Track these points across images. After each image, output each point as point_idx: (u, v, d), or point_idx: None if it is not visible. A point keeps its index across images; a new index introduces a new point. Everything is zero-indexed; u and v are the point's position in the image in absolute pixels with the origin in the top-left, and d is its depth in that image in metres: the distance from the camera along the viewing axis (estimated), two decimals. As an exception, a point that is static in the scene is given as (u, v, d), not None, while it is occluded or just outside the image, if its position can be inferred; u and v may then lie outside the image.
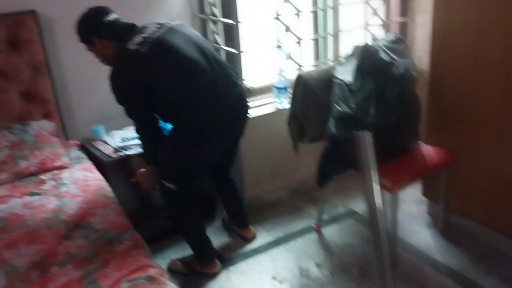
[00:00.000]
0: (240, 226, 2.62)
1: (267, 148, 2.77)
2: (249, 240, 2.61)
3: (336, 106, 2.21)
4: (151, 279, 1.50)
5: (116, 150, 2.44)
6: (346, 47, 2.90)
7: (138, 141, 2.25)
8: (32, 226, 1.86)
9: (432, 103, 2.47)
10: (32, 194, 2.10)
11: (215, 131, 2.10)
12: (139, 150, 2.37)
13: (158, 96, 2.00)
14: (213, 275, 2.34)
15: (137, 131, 2.12)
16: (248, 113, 2.27)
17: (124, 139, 2.51)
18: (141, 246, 1.71)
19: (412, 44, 3.14)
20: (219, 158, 2.28)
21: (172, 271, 2.37)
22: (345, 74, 2.29)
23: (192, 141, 2.06)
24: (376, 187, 0.80)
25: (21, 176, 2.23)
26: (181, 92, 2.00)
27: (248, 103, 2.25)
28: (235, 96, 2.13)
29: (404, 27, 3.15)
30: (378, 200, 0.79)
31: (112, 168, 2.39)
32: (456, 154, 2.34)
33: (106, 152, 2.44)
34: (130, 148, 2.44)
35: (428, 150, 2.38)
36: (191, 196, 2.27)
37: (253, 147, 2.71)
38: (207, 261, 2.36)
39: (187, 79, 1.99)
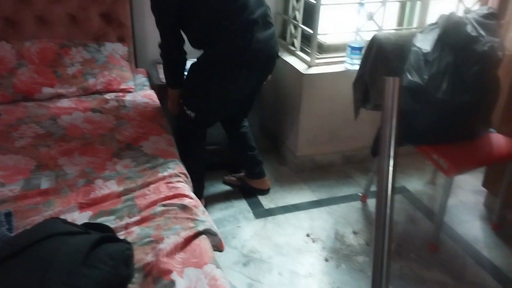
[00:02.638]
0: (255, 177, 2.59)
1: (328, 109, 2.70)
2: (265, 191, 2.61)
3: (408, 74, 2.08)
4: (185, 208, 1.54)
5: None
6: (435, 16, 2.70)
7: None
8: (88, 140, 1.97)
9: (514, 90, 2.26)
10: (94, 110, 2.21)
11: (245, 66, 2.05)
12: None
13: (192, 19, 1.97)
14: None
15: (161, 46, 2.08)
16: (278, 55, 2.21)
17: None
18: (183, 176, 1.75)
19: (509, 24, 2.86)
20: (240, 100, 2.26)
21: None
22: (425, 42, 2.14)
23: (220, 73, 2.04)
24: (393, 149, 0.74)
25: (88, 92, 2.35)
26: (217, 21, 1.96)
27: (278, 45, 2.19)
28: (269, 35, 2.08)
29: (504, 3, 2.86)
30: (391, 165, 0.73)
31: (160, 92, 2.44)
32: (529, 149, 2.16)
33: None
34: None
35: (498, 139, 2.21)
36: (205, 134, 2.29)
37: (313, 105, 2.65)
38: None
39: (224, 10, 1.95)
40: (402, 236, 2.31)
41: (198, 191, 2.32)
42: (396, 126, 0.72)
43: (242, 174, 2.66)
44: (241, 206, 2.55)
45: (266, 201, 2.56)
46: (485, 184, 2.50)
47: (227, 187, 2.67)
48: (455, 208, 2.52)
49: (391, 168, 0.68)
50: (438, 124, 2.06)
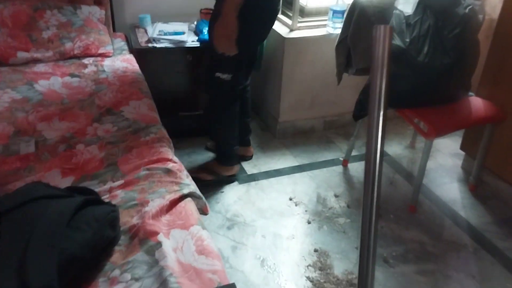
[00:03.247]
0: (242, 144, 2.57)
1: (309, 74, 2.69)
2: (248, 158, 2.62)
3: (389, 38, 2.08)
4: (168, 171, 1.54)
5: (149, 40, 2.46)
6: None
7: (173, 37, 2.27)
8: (67, 105, 1.93)
9: (492, 54, 2.28)
10: (72, 75, 2.16)
11: (275, 15, 2.14)
12: (168, 45, 2.44)
13: None
14: (232, 177, 2.44)
15: None
16: None
17: (162, 32, 2.51)
18: (165, 141, 1.74)
19: (489, -12, 2.87)
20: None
21: (199, 180, 2.41)
22: (406, 5, 2.13)
23: (261, 18, 2.06)
24: (384, 101, 0.74)
25: (65, 57, 2.28)
26: None
27: None
28: None
29: (484, -33, 2.86)
30: (382, 116, 0.72)
31: (140, 56, 2.41)
32: (506, 112, 2.20)
33: (140, 40, 2.48)
34: (160, 42, 2.46)
35: (477, 103, 2.24)
36: (238, 90, 2.28)
37: (295, 70, 2.64)
38: (231, 162, 2.40)
39: None
40: (382, 198, 2.36)
41: (234, 156, 2.40)
42: (387, 76, 0.72)
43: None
44: (224, 171, 2.55)
45: (249, 167, 2.57)
46: (463, 147, 2.56)
47: (210, 154, 2.66)
48: (434, 171, 2.58)
49: (381, 120, 0.67)
50: (419, 87, 2.08)
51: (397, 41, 2.06)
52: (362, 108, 2.26)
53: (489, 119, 2.20)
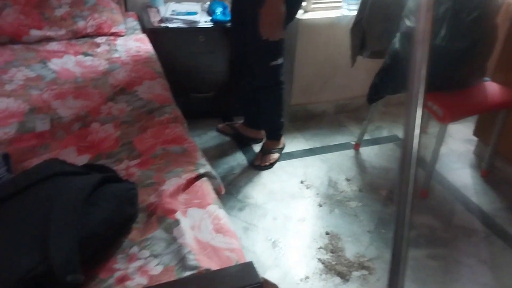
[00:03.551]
0: (254, 127, 2.60)
1: (322, 57, 2.66)
2: (259, 140, 2.61)
3: (406, 20, 2.05)
4: (184, 151, 1.54)
5: (162, 20, 2.44)
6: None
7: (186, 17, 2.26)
8: (81, 83, 1.92)
9: (509, 39, 2.25)
10: (85, 54, 2.15)
11: None
12: (180, 26, 2.42)
13: None
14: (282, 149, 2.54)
15: None
16: None
17: (174, 12, 2.49)
18: (180, 121, 1.74)
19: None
20: None
21: (270, 165, 2.45)
22: (424, -13, 2.10)
23: None
24: (423, 79, 0.72)
25: (78, 35, 2.27)
26: None
27: None
28: None
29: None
30: (420, 100, 0.70)
31: (152, 36, 2.39)
32: (522, 98, 2.18)
33: (153, 20, 2.46)
34: (173, 22, 2.43)
35: (492, 88, 2.22)
36: None
37: (308, 53, 2.61)
38: (280, 135, 2.48)
39: None
40: (394, 182, 2.36)
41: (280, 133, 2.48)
42: (428, 51, 0.70)
43: (237, 123, 2.65)
44: (236, 154, 2.56)
45: (258, 151, 2.57)
46: (476, 133, 2.54)
47: (221, 136, 2.66)
48: (446, 156, 2.57)
49: (420, 97, 0.65)
50: (435, 71, 2.04)
51: (413, 23, 2.03)
52: (377, 92, 2.24)
53: (504, 105, 2.18)
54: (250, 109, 2.56)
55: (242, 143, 2.62)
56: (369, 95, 2.28)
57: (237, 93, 2.59)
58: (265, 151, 2.46)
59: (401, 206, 0.64)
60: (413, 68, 0.70)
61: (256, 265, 1.08)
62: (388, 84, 2.18)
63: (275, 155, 2.46)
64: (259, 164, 2.42)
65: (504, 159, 2.38)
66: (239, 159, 2.51)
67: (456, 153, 2.62)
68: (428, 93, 2.09)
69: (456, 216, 2.17)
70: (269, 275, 1.81)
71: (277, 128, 2.46)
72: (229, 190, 2.26)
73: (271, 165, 2.44)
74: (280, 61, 2.17)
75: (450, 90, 2.10)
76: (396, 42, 2.09)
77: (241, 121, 2.64)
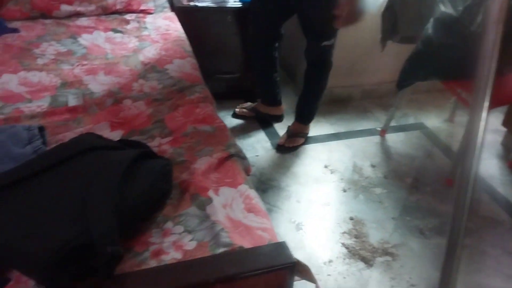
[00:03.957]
0: (273, 104, 2.59)
1: (351, 40, 2.62)
2: (280, 117, 2.63)
3: (441, 5, 2.00)
4: (214, 130, 1.54)
5: None
6: None
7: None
8: (112, 60, 1.93)
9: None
10: (115, 31, 2.15)
11: None
12: (210, 5, 2.42)
13: None
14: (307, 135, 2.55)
15: None
16: None
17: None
18: (210, 101, 1.73)
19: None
20: None
21: (294, 147, 2.46)
22: (461, -29, 2.05)
23: None
24: (494, 63, 0.69)
25: (107, 11, 2.27)
26: None
27: None
28: None
29: None
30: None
31: (181, 14, 2.38)
32: (557, 89, 2.13)
33: None
34: (202, 1, 2.43)
35: (526, 78, 2.17)
36: None
37: (337, 35, 2.57)
38: (310, 121, 2.50)
39: None
40: (419, 170, 2.34)
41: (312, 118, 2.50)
42: (501, 34, 0.68)
43: (253, 104, 2.65)
44: (259, 136, 2.55)
45: (284, 133, 2.56)
46: (504, 123, 2.50)
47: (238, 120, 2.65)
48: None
49: (490, 82, 0.63)
50: (469, 58, 2.00)
51: (449, 9, 1.98)
52: (407, 78, 2.21)
53: (538, 95, 2.13)
54: (267, 86, 2.55)
55: (263, 122, 2.62)
56: (399, 80, 2.25)
57: (254, 72, 2.57)
58: (292, 134, 2.46)
59: (460, 200, 0.62)
60: (485, 49, 0.68)
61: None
62: (418, 70, 2.15)
63: (301, 140, 2.46)
64: (283, 144, 2.42)
65: (533, 151, 2.35)
66: (262, 141, 2.51)
67: (483, 144, 2.58)
68: (460, 80, 2.06)
69: (482, 206, 2.15)
70: (293, 257, 1.82)
71: (311, 112, 2.46)
72: (253, 172, 2.26)
73: (295, 148, 2.43)
74: (332, 41, 2.17)
75: (483, 78, 2.06)
76: (429, 28, 2.05)
77: (257, 102, 2.64)
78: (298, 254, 1.86)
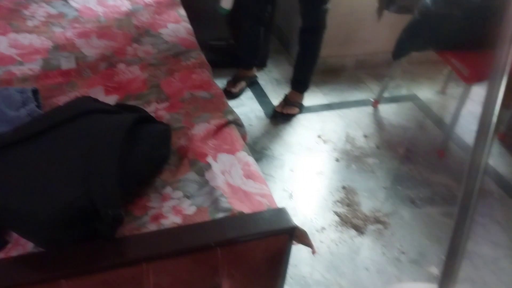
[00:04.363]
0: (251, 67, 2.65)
1: (346, 9, 2.59)
2: (252, 78, 2.68)
3: (440, -26, 1.98)
4: (211, 97, 1.52)
5: None
6: None
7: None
8: (104, 23, 1.88)
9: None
10: (107, -7, 2.08)
11: None
12: None
13: None
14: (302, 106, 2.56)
15: None
16: None
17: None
18: (206, 67, 1.71)
19: None
20: None
21: (288, 116, 2.47)
22: None
23: None
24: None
25: (98, -27, 2.19)
26: None
27: None
28: None
29: None
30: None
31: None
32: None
33: None
34: None
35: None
36: None
37: (332, 3, 2.54)
38: (306, 90, 2.52)
39: None
40: (411, 141, 2.36)
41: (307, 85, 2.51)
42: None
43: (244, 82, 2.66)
44: (252, 105, 2.54)
45: (278, 102, 2.55)
46: (497, 95, 2.51)
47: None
48: (464, 118, 2.54)
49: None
50: (468, 30, 2.00)
51: (448, -22, 1.96)
52: (403, 47, 2.20)
53: (531, 67, 2.14)
54: (248, 49, 2.58)
55: (256, 92, 2.61)
56: (395, 50, 2.24)
57: (239, 35, 2.56)
58: (288, 102, 2.45)
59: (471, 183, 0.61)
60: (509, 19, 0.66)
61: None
62: (415, 40, 2.14)
63: (296, 109, 2.45)
64: (280, 111, 2.42)
65: (523, 124, 2.38)
66: (256, 110, 2.50)
67: (474, 115, 2.59)
68: (456, 51, 2.05)
69: (472, 177, 2.18)
70: (286, 224, 1.84)
71: (307, 79, 2.46)
72: (247, 141, 2.26)
73: (290, 116, 2.43)
74: (329, 5, 2.19)
75: (479, 50, 2.05)
76: (428, -3, 2.03)
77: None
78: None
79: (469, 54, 2.05)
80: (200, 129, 1.36)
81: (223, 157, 1.30)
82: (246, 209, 1.13)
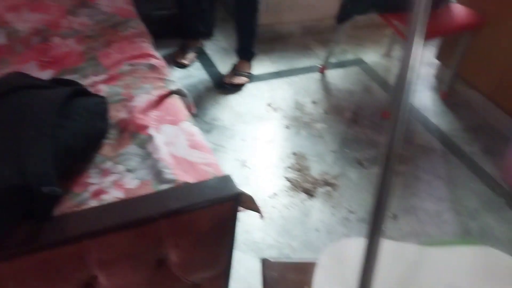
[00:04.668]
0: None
1: (290, -26, 2.57)
2: (199, 49, 2.67)
3: None
4: (152, 67, 1.49)
5: None
6: None
7: None
8: (36, -5, 1.78)
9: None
10: (37, -37, 1.97)
11: None
12: None
13: None
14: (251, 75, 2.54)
15: None
16: None
17: None
18: (146, 36, 1.66)
19: None
20: None
21: (237, 85, 2.44)
22: None
23: None
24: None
25: None
26: None
27: None
28: None
29: None
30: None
31: None
32: (485, 19, 2.21)
33: None
34: None
35: (458, 10, 2.24)
36: None
37: (276, -31, 2.52)
38: (252, 57, 2.52)
39: None
40: (358, 104, 2.40)
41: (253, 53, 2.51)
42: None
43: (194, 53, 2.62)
44: (201, 76, 2.51)
45: (226, 72, 2.53)
46: (438, 55, 2.59)
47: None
48: (408, 80, 2.62)
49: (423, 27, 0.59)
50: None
51: None
52: (347, 11, 2.21)
53: (467, 26, 2.21)
54: (192, 19, 2.54)
55: (205, 63, 2.58)
56: (339, 14, 2.25)
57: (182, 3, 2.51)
58: (236, 72, 2.43)
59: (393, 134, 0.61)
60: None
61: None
62: (358, 4, 2.16)
63: (245, 79, 2.44)
64: (229, 81, 2.40)
65: (463, 82, 2.46)
66: (205, 81, 2.47)
67: (417, 76, 2.68)
68: (396, 13, 2.09)
69: (416, 135, 2.26)
70: (238, 192, 1.85)
71: (250, 47, 2.45)
72: (196, 112, 2.23)
73: (239, 86, 2.42)
74: None
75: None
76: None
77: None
78: (244, 190, 1.90)
79: (407, 15, 2.08)
80: (140, 100, 1.33)
81: (167, 129, 1.28)
82: (191, 179, 1.13)
